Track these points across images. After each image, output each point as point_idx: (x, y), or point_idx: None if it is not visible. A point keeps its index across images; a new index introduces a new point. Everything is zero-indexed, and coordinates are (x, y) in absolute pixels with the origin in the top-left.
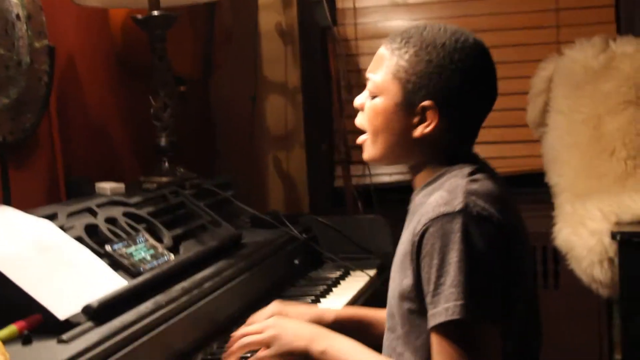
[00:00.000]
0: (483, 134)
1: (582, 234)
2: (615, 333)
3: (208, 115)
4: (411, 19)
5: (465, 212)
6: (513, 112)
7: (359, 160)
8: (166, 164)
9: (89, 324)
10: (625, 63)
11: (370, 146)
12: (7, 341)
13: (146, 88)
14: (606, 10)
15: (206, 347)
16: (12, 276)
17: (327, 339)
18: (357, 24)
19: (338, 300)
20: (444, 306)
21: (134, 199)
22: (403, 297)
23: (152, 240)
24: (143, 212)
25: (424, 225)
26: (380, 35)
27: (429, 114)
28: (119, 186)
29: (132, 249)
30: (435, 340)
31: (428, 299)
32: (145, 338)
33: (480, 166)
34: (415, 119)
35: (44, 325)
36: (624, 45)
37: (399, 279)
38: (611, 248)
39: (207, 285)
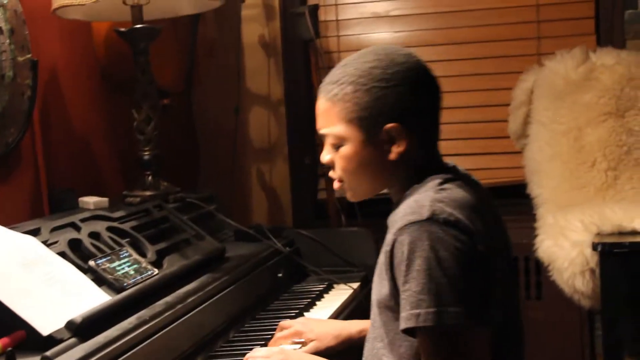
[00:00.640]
0: (465, 146)
1: (564, 245)
2: (597, 344)
3: (191, 128)
4: (393, 31)
5: (431, 219)
6: (495, 123)
7: None
8: (149, 178)
9: (72, 339)
10: (605, 74)
11: (352, 189)
12: None
13: (129, 101)
14: (586, 22)
15: None
16: None
17: None
18: (339, 36)
19: (322, 314)
20: (413, 312)
21: (118, 214)
22: (382, 305)
23: (135, 255)
24: (126, 226)
25: (394, 235)
26: (362, 48)
27: (396, 134)
28: (103, 200)
29: (115, 263)
30: (420, 348)
31: (401, 305)
32: (129, 353)
33: (453, 176)
34: (386, 145)
35: (27, 341)
36: (604, 57)
37: (377, 288)
38: (592, 259)
39: (191, 299)
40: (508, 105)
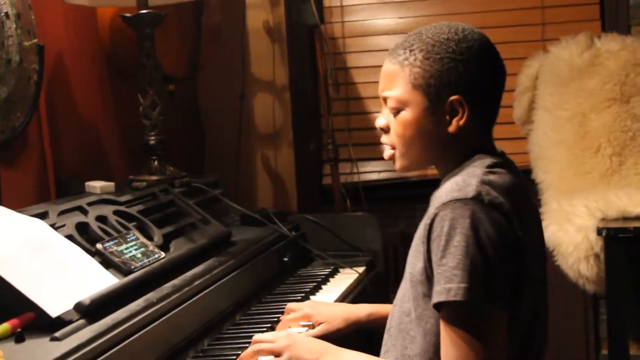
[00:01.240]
0: None
1: (569, 231)
2: (602, 328)
3: (196, 113)
4: (397, 17)
5: (476, 199)
6: (501, 109)
7: (347, 158)
8: (155, 163)
9: (81, 321)
10: (610, 60)
11: (403, 158)
12: (0, 339)
13: (135, 87)
14: (591, 7)
15: (197, 344)
16: (4, 275)
17: (337, 354)
18: (344, 22)
19: (327, 297)
20: (445, 286)
21: (124, 198)
22: (415, 279)
23: (142, 239)
24: (133, 210)
25: (437, 209)
26: (367, 33)
27: (459, 107)
28: (109, 185)
29: (123, 247)
30: (442, 323)
31: (435, 279)
32: (137, 335)
33: (502, 161)
34: (447, 116)
35: (36, 323)
36: (609, 43)
37: (412, 261)
38: (597, 244)
39: (197, 282)
40: (513, 91)
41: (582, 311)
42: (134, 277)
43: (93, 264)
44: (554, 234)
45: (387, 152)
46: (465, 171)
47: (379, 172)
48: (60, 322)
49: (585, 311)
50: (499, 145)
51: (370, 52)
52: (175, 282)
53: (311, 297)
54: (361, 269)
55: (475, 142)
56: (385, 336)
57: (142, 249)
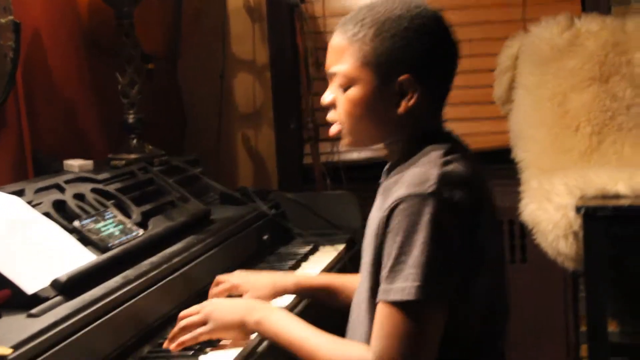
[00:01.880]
0: (451, 111)
1: (548, 209)
2: (581, 306)
3: (177, 92)
4: None
5: (435, 195)
6: (480, 89)
7: (328, 137)
8: (134, 141)
9: (57, 298)
10: (590, 40)
11: (350, 135)
12: None
13: (114, 65)
14: None
15: (175, 322)
16: None
17: (263, 310)
18: (325, 1)
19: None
20: (401, 285)
21: (102, 176)
22: (367, 272)
23: (120, 216)
24: (111, 188)
25: (394, 202)
26: (348, 12)
27: (409, 87)
28: (87, 163)
29: (100, 224)
30: (381, 313)
31: (384, 272)
32: (114, 312)
33: (453, 144)
34: (396, 97)
35: (12, 300)
36: (589, 23)
37: (366, 254)
38: (576, 222)
39: (176, 260)
40: (493, 71)
41: (561, 289)
42: (111, 255)
43: (70, 241)
44: (533, 212)
45: (333, 128)
46: (422, 162)
47: (360, 151)
48: (36, 299)
49: (564, 289)
50: (480, 125)
51: None
52: (154, 259)
53: (290, 273)
54: (341, 247)
55: (425, 123)
56: (349, 321)
57: (120, 227)
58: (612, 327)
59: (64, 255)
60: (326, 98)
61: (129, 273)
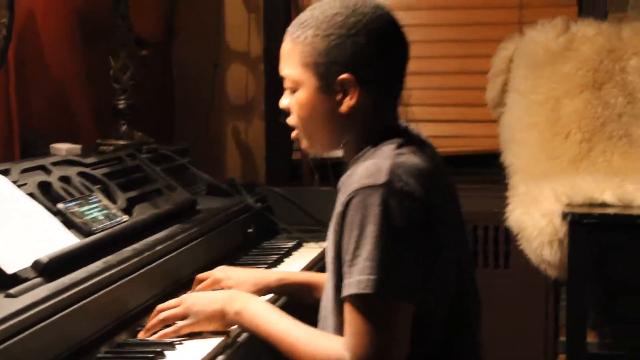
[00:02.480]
0: (441, 112)
1: (534, 215)
2: (562, 315)
3: (169, 80)
4: None
5: (388, 186)
6: (472, 91)
7: None
8: (124, 127)
9: (37, 279)
10: (585, 45)
11: (306, 138)
12: None
13: (107, 50)
14: None
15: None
16: None
17: (242, 300)
18: None
19: (289, 270)
20: (357, 278)
21: (90, 160)
22: (331, 269)
23: (106, 201)
24: (98, 172)
25: (348, 196)
26: None
27: (349, 86)
28: (75, 147)
29: (85, 208)
30: (347, 310)
31: (345, 268)
32: (94, 296)
33: (408, 139)
34: (338, 96)
35: None
36: (585, 28)
37: (328, 250)
38: (561, 229)
39: (159, 247)
40: (486, 73)
41: (543, 298)
42: (94, 239)
43: (54, 223)
44: (519, 217)
45: (293, 132)
46: (375, 154)
47: None
48: (16, 279)
49: (546, 298)
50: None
51: None
52: (137, 246)
53: (273, 269)
54: (325, 244)
55: (375, 122)
56: (318, 319)
57: (105, 212)
58: (591, 338)
59: (47, 237)
60: (282, 103)
61: (111, 258)
